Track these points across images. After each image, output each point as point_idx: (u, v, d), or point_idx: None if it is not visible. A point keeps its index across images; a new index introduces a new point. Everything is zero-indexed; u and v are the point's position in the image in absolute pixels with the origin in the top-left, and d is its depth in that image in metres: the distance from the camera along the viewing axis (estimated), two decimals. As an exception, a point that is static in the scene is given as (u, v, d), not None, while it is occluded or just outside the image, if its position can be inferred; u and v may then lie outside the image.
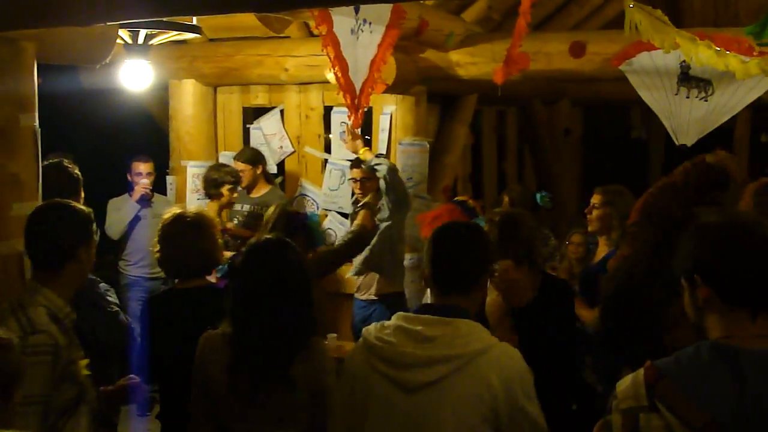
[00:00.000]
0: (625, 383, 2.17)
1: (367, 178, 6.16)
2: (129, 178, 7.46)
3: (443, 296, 2.87)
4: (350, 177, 6.45)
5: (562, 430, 3.31)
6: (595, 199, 5.28)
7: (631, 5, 4.12)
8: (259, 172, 7.01)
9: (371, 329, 2.86)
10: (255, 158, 7.04)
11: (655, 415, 2.07)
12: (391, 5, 5.52)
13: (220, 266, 4.29)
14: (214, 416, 3.26)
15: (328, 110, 7.32)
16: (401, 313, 2.87)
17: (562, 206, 10.12)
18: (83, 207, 3.50)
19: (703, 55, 4.45)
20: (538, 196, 6.28)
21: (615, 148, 11.80)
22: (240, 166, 6.93)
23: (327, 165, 7.36)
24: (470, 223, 3.62)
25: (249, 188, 7.03)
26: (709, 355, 2.08)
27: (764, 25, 2.95)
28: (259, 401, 3.17)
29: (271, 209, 5.06)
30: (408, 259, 6.64)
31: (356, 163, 6.26)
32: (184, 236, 3.94)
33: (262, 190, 7.06)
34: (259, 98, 7.66)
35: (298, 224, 4.91)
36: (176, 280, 4.07)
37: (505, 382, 2.67)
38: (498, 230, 3.91)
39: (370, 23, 5.55)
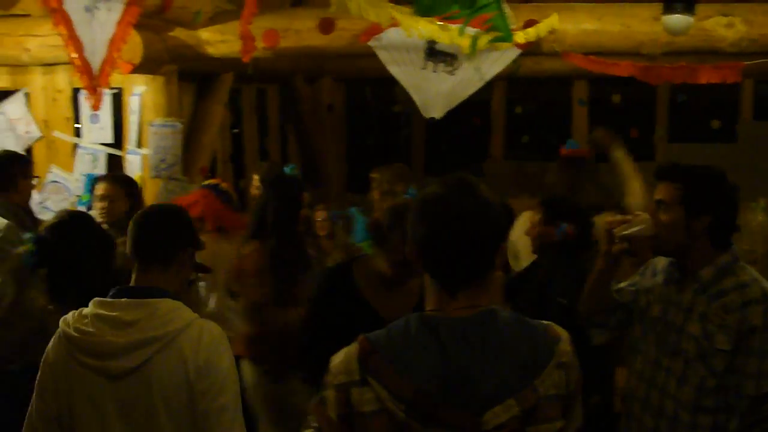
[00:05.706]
0: (338, 358, 2.16)
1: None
2: None
3: (143, 272, 2.85)
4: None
5: None
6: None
7: None
8: None
9: (69, 319, 2.77)
10: None
11: (367, 388, 2.06)
12: (128, -17, 5.30)
13: None
14: None
15: (77, 93, 6.95)
16: (98, 298, 2.79)
17: (328, 183, 10.21)
18: None
19: (425, 29, 4.54)
20: (287, 169, 6.23)
21: (379, 123, 12.00)
22: None
23: (78, 150, 7.05)
24: (171, 205, 3.53)
25: None
26: (416, 327, 2.10)
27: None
28: None
29: None
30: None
31: None
32: None
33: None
34: (1, 81, 7.18)
35: None
36: None
37: (202, 356, 2.68)
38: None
39: (106, 0, 5.30)
